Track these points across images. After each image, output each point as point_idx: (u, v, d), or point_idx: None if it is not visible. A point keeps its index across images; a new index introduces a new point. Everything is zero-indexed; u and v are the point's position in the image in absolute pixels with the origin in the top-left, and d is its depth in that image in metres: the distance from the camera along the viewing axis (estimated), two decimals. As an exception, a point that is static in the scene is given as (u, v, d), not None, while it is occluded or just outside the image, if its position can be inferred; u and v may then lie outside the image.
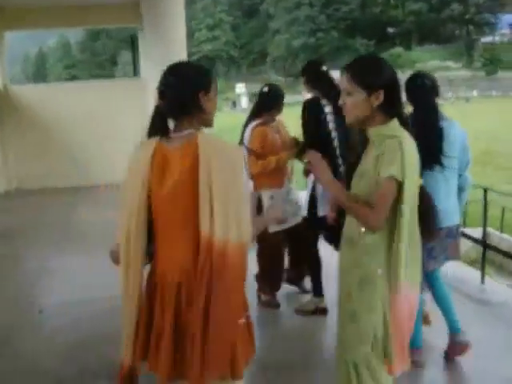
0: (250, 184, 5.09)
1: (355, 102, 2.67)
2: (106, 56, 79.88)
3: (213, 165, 2.27)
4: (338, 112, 4.61)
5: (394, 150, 2.54)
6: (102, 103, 12.45)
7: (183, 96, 2.37)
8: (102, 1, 11.92)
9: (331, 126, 4.62)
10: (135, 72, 15.07)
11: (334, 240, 4.08)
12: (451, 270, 5.21)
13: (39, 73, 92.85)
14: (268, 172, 4.94)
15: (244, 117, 5.41)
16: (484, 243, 5.92)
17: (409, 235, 2.56)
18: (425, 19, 77.55)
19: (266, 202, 4.99)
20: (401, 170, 2.49)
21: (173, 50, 7.36)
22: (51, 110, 12.37)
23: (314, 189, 4.79)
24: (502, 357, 4.23)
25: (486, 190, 5.84)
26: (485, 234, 5.85)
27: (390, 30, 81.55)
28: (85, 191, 11.44)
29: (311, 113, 4.69)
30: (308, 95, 4.93)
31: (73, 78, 76.34)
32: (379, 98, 2.64)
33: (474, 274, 6.08)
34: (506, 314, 5.08)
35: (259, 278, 5.31)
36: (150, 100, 12.40)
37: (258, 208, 5.02)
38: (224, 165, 2.30)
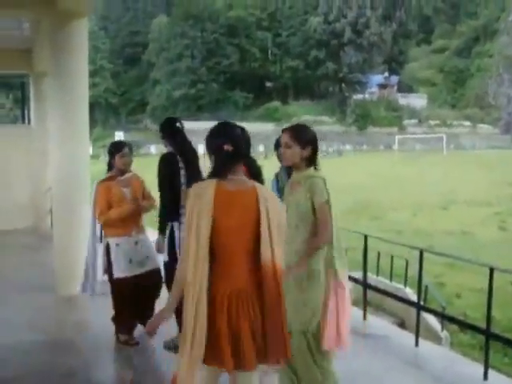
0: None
1: (292, 153, 3.83)
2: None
3: (269, 206, 2.96)
4: (188, 164, 5.01)
5: (319, 184, 3.76)
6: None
7: (247, 148, 3.14)
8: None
9: (182, 179, 5.17)
10: (23, 119, 14.76)
11: None
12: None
13: None
14: (112, 222, 5.28)
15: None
16: (365, 284, 6.24)
17: (336, 237, 3.78)
18: (301, 75, 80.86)
19: (112, 248, 5.32)
20: (327, 197, 3.76)
21: (75, 98, 7.24)
22: None
23: (172, 233, 5.17)
24: (384, 376, 4.88)
25: (366, 236, 6.20)
26: (365, 275, 6.19)
27: (268, 84, 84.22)
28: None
29: (166, 166, 5.17)
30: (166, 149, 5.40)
31: None
32: (308, 151, 3.82)
33: (355, 311, 6.41)
34: (388, 345, 5.52)
35: (114, 320, 5.50)
36: (38, 147, 12.10)
37: (107, 253, 5.36)
38: (274, 207, 2.99)
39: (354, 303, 8.54)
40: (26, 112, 14.73)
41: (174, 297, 3.06)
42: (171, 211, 5.09)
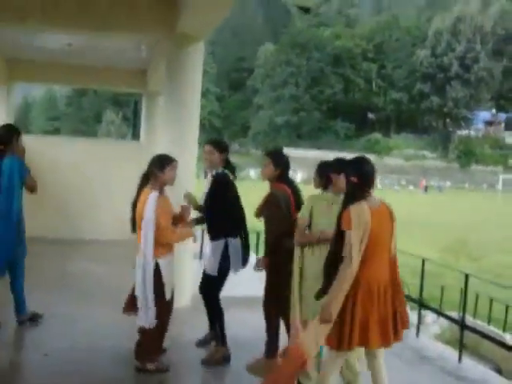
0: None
1: None
2: (91, 113, 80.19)
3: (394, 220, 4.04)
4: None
5: None
6: (98, 161, 12.50)
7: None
8: (111, 64, 12.18)
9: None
10: (134, 135, 15.35)
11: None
12: (430, 348, 5.32)
13: (21, 123, 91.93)
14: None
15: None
16: (462, 324, 6.04)
17: None
18: (404, 108, 79.79)
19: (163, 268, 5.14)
20: None
21: (187, 117, 7.50)
22: (51, 161, 12.09)
23: (226, 248, 5.30)
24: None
25: (467, 276, 6.00)
26: (464, 315, 5.98)
27: (371, 115, 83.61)
28: (74, 244, 11.35)
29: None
30: None
31: (55, 130, 76.36)
32: None
33: (451, 352, 6.21)
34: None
35: (144, 347, 5.12)
36: (145, 163, 12.53)
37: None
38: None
39: (449, 343, 8.27)
40: (136, 129, 15.33)
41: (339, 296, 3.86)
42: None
